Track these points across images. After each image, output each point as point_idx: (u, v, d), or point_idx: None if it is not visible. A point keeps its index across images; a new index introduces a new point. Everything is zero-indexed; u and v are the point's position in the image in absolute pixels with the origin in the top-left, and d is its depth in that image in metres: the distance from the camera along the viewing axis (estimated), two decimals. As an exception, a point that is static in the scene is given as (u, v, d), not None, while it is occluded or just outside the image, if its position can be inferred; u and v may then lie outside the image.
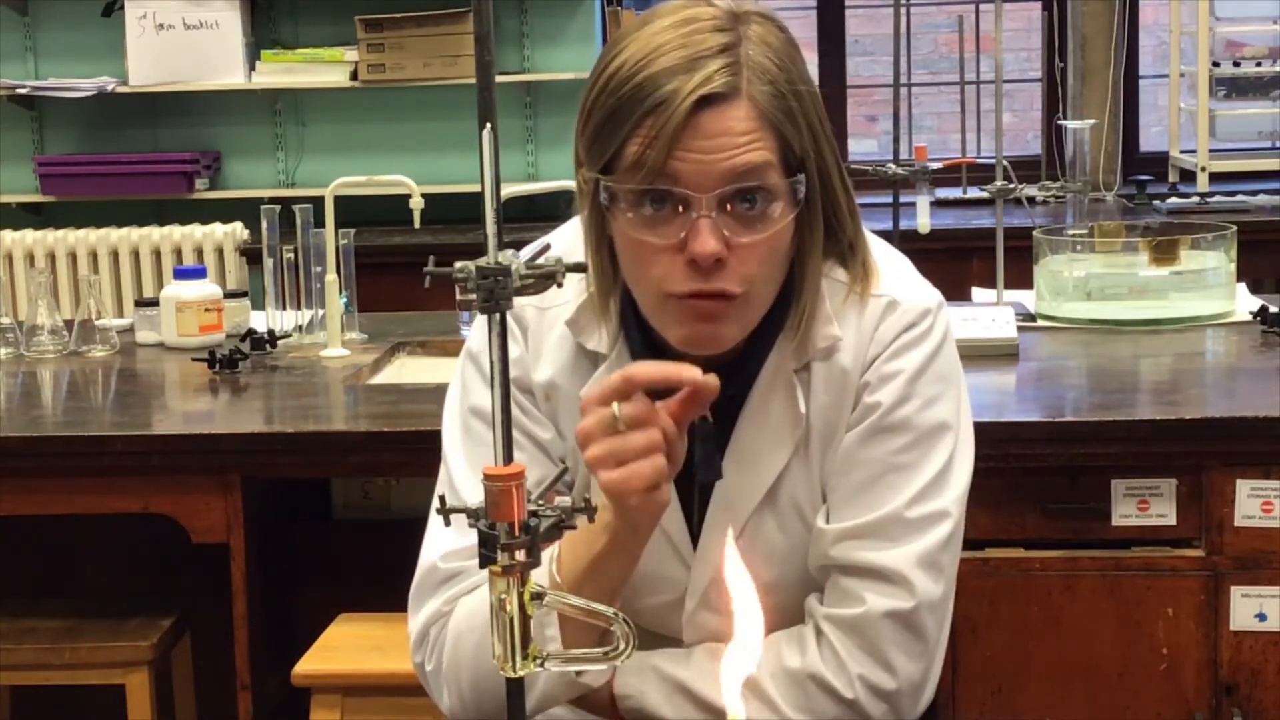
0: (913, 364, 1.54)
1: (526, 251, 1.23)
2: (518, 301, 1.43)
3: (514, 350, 1.56)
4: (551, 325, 1.59)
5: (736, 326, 1.49)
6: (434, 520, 1.59)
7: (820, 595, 1.58)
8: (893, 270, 1.59)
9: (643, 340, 1.54)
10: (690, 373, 1.41)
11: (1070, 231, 3.51)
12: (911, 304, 1.56)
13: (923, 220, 3.43)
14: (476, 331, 1.61)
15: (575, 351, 1.58)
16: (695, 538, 1.59)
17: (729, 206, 1.43)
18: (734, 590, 0.98)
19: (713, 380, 1.41)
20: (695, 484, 1.55)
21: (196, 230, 5.35)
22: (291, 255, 3.45)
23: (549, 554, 1.50)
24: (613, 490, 1.41)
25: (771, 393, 1.55)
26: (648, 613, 1.60)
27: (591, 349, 1.56)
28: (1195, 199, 5.10)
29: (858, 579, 1.53)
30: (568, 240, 1.59)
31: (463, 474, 1.62)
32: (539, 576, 1.36)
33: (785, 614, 1.58)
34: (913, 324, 1.55)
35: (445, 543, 1.60)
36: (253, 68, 5.35)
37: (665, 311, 1.47)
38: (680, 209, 1.43)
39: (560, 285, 1.29)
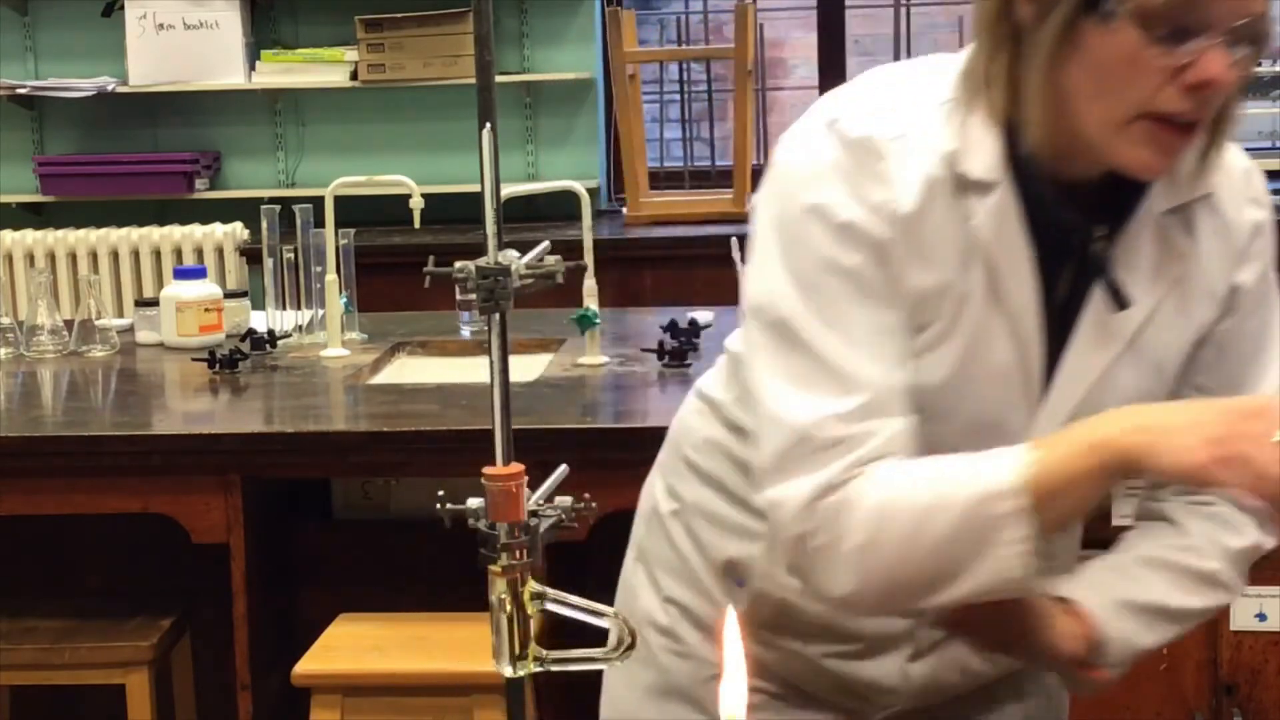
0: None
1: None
2: (860, 125, 1.44)
3: (876, 194, 1.44)
4: (910, 153, 1.45)
5: (1181, 158, 1.45)
6: (778, 388, 1.45)
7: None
8: None
9: (1031, 171, 1.45)
10: None
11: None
12: (1259, 176, 1.60)
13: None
14: (816, 186, 1.46)
15: (948, 181, 1.45)
16: (1047, 379, 1.50)
17: (1235, 43, 1.40)
18: (727, 657, 0.98)
19: None
20: (1056, 316, 1.49)
21: (196, 230, 5.35)
22: (291, 255, 3.45)
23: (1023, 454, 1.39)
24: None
25: (1147, 232, 1.50)
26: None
27: (976, 178, 1.45)
28: (1195, 199, 5.09)
29: None
30: (930, 70, 1.50)
31: (835, 348, 1.43)
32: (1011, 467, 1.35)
33: None
34: (1267, 200, 1.58)
35: (812, 408, 1.42)
36: (253, 68, 5.35)
37: (1126, 134, 1.40)
38: (1190, 36, 1.38)
39: (560, 283, 1.29)
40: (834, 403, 1.42)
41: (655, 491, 1.78)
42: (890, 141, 1.45)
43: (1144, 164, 1.42)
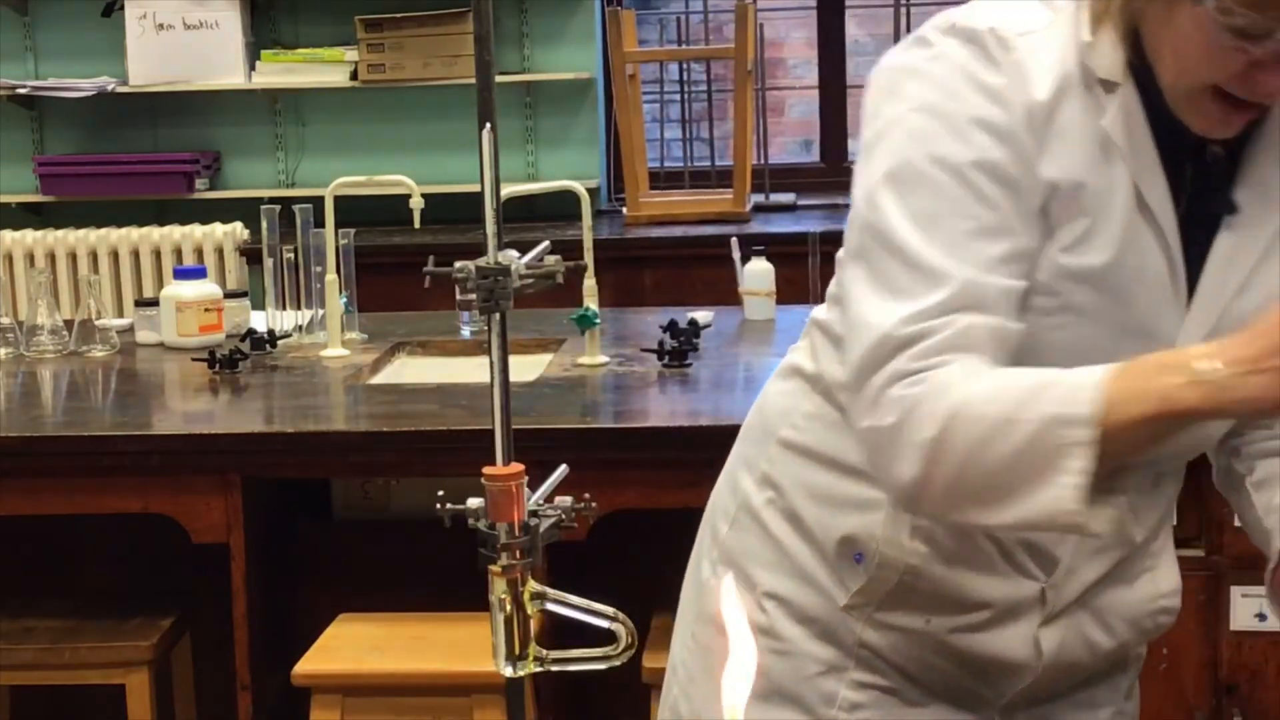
0: None
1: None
2: (986, 20, 1.44)
3: (1003, 83, 1.43)
4: (1040, 47, 1.46)
5: (1250, 116, 1.45)
6: (866, 294, 1.44)
7: None
8: None
9: (1148, 75, 1.46)
10: None
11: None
12: None
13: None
14: (932, 82, 1.45)
15: (1077, 75, 1.46)
16: (1192, 285, 1.50)
17: None
18: (731, 626, 0.97)
19: None
20: (1200, 217, 1.49)
21: (196, 230, 5.35)
22: (291, 255, 3.45)
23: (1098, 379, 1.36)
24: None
25: (1270, 132, 1.49)
26: None
27: (1103, 76, 1.46)
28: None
29: None
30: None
31: (925, 248, 1.42)
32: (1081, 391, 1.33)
33: None
34: None
35: (895, 310, 1.41)
36: (253, 68, 5.35)
37: (1194, 101, 1.43)
38: (1268, 35, 1.37)
39: (560, 283, 1.29)
40: (917, 302, 1.40)
41: (743, 487, 1.70)
42: (1019, 36, 1.45)
43: (1204, 128, 1.44)
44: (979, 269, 1.41)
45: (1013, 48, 1.44)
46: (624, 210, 5.21)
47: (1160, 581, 1.66)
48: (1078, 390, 1.35)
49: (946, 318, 1.40)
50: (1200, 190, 1.48)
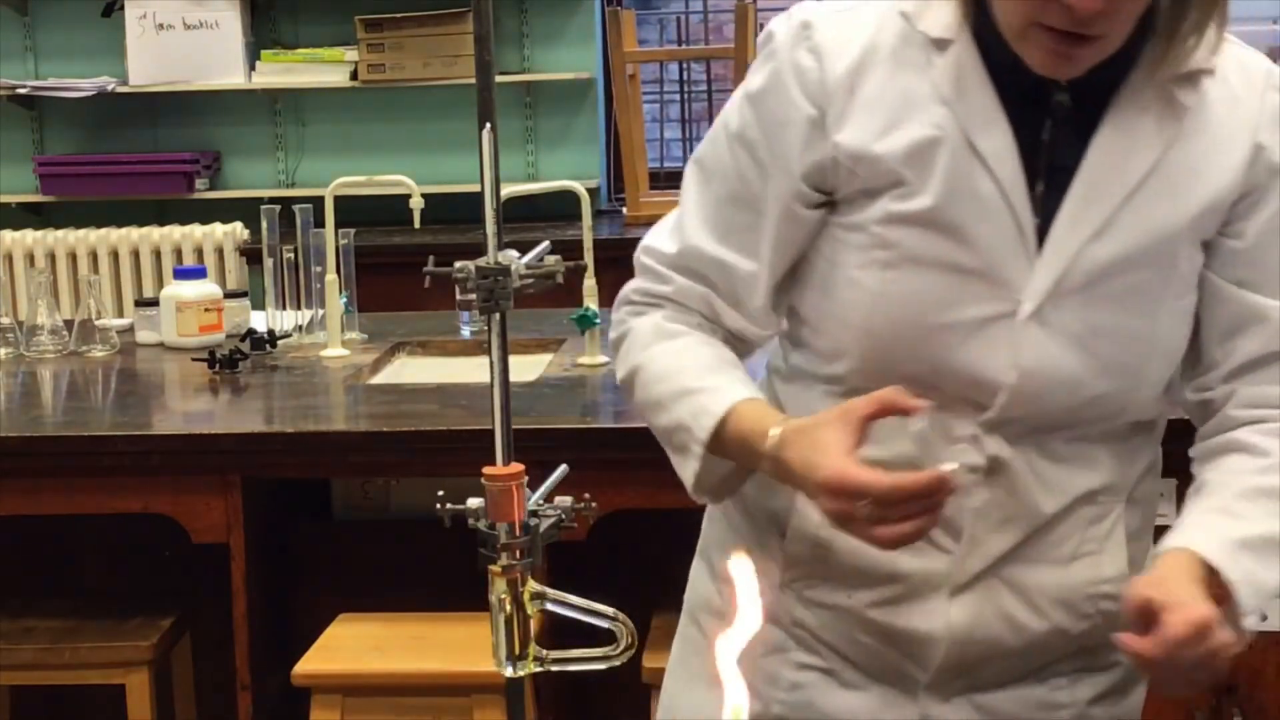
0: None
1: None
2: (809, 10, 1.54)
3: (803, 66, 1.53)
4: (853, 21, 1.54)
5: (1094, 57, 1.46)
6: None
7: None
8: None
9: (989, 26, 1.49)
10: (905, 402, 1.46)
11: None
12: None
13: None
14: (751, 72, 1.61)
15: (892, 42, 1.52)
16: (1042, 236, 1.51)
17: None
18: (741, 593, 0.98)
19: (945, 473, 1.43)
20: (1042, 168, 1.51)
21: (196, 230, 5.35)
22: (291, 255, 3.45)
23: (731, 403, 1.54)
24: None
25: (1145, 91, 1.51)
26: (967, 326, 1.52)
27: (935, 36, 1.50)
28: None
29: None
30: None
31: (689, 196, 1.64)
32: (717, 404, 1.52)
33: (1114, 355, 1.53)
34: None
35: (653, 236, 1.67)
36: (253, 68, 5.35)
37: (1027, 39, 1.45)
38: None
39: (560, 283, 1.29)
40: (662, 244, 1.64)
41: None
42: (834, 15, 1.54)
43: (1043, 66, 1.46)
44: (708, 237, 1.59)
45: (819, 28, 1.53)
46: (624, 210, 5.21)
47: (1104, 567, 1.59)
48: (702, 415, 1.53)
49: (669, 271, 1.62)
50: (1055, 140, 1.50)
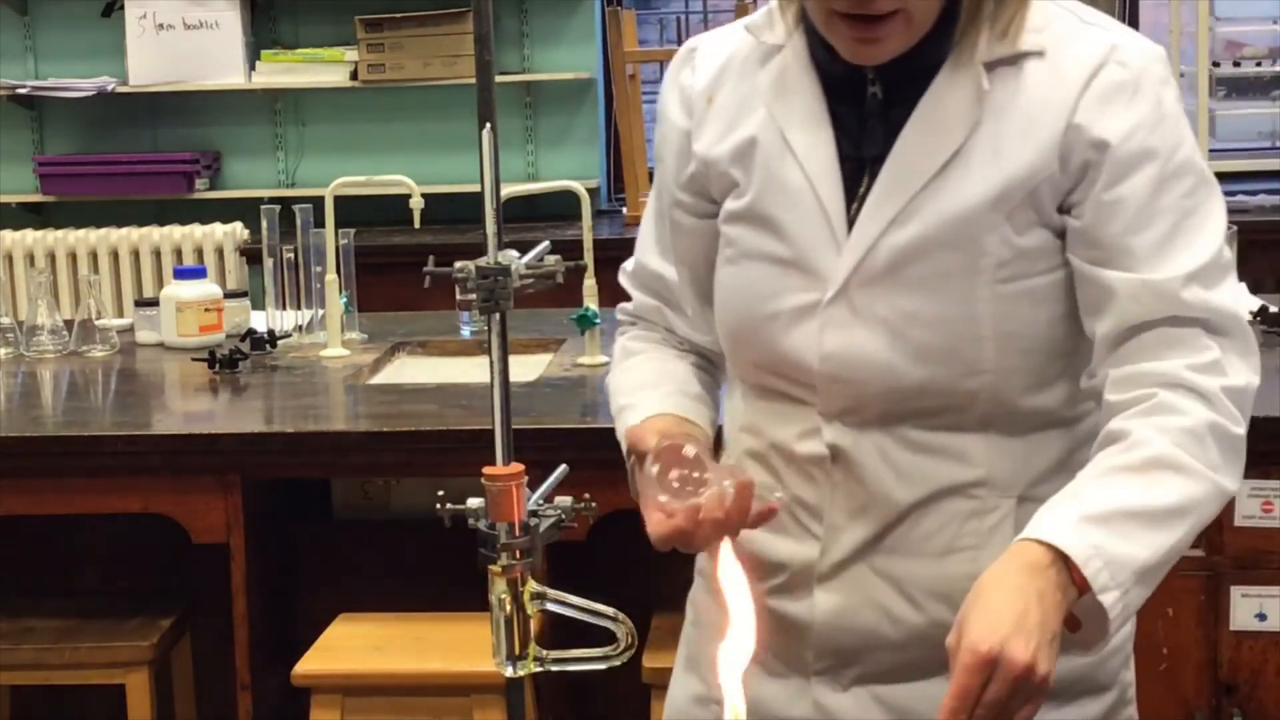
0: (1160, 109, 1.52)
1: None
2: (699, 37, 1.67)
3: (682, 82, 1.66)
4: (723, 39, 1.67)
5: (898, 40, 1.49)
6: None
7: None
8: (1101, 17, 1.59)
9: (820, 36, 1.55)
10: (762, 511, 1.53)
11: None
12: (1150, 50, 1.55)
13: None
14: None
15: (744, 53, 1.63)
16: (852, 223, 1.55)
17: None
18: (728, 591, 0.99)
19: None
20: (863, 160, 1.55)
21: (196, 230, 5.35)
22: (291, 255, 3.45)
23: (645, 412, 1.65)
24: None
25: (956, 77, 1.53)
26: (788, 315, 1.56)
27: (771, 43, 1.60)
28: (1195, 199, 5.08)
29: (1206, 330, 1.49)
30: None
31: (643, 231, 1.75)
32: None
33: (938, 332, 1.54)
34: (1135, 64, 1.53)
35: (635, 258, 1.77)
36: (253, 68, 5.35)
37: (830, 27, 1.50)
38: None
39: (560, 283, 1.29)
40: (631, 259, 1.76)
41: None
42: (711, 37, 1.67)
43: (851, 53, 1.51)
44: (653, 252, 1.71)
45: (697, 48, 1.67)
46: (624, 210, 5.21)
47: (983, 562, 1.48)
48: (622, 429, 1.66)
49: (633, 289, 1.75)
50: (873, 132, 1.55)
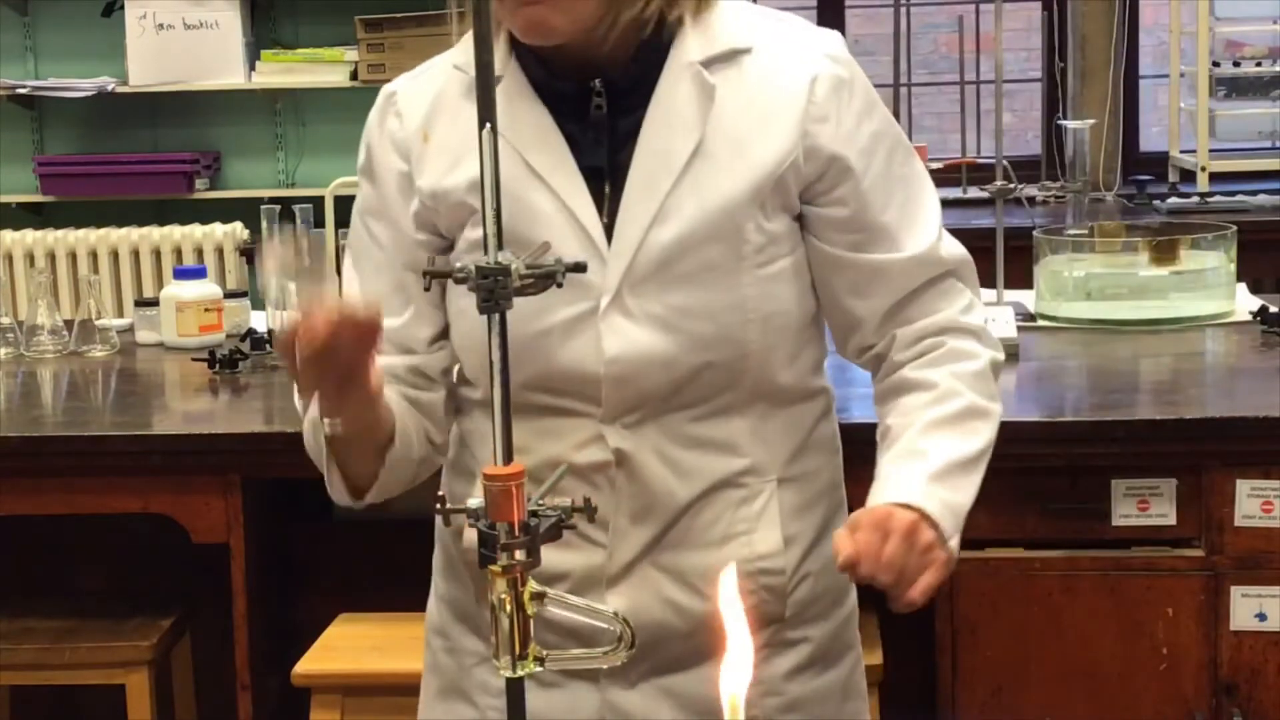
0: (869, 94, 1.67)
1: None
2: (393, 84, 1.71)
3: (388, 130, 1.72)
4: (425, 81, 1.70)
5: (563, 17, 1.54)
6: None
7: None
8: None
9: (534, 57, 1.62)
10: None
11: (1070, 231, 3.51)
12: (837, 39, 1.68)
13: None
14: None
15: (461, 88, 1.65)
16: (609, 231, 1.62)
17: None
18: (728, 620, 0.98)
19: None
20: (601, 170, 1.62)
21: (196, 230, 5.36)
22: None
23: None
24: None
25: (677, 79, 1.61)
26: (560, 329, 1.61)
27: None
28: (1195, 199, 5.09)
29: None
30: None
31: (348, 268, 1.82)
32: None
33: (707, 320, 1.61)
34: (843, 58, 1.66)
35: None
36: (253, 68, 5.35)
37: (503, 8, 1.55)
38: None
39: (560, 285, 1.29)
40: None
41: None
42: (410, 80, 1.71)
43: (524, 33, 1.57)
44: (393, 315, 1.69)
45: (398, 93, 1.71)
46: (624, 210, 5.21)
47: (757, 544, 1.66)
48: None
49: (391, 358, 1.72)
50: (608, 143, 1.61)
